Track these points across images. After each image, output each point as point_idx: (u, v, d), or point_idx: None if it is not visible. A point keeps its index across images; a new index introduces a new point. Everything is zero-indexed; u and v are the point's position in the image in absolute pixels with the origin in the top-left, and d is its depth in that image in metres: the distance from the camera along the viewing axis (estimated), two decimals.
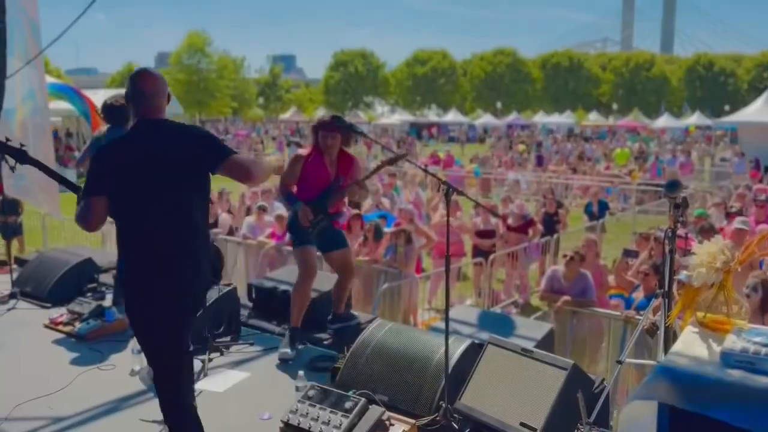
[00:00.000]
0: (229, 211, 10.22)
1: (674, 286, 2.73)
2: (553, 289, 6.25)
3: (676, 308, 2.48)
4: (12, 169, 5.83)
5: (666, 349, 2.48)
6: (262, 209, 9.18)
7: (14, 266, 6.09)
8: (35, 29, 6.98)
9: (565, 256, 6.38)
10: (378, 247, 7.61)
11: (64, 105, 17.23)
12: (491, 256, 8.31)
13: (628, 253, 7.33)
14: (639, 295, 6.02)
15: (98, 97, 21.60)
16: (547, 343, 4.17)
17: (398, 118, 55.03)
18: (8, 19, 6.78)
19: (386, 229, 7.89)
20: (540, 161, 24.16)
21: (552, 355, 3.23)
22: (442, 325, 4.75)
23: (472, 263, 8.72)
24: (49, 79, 12.28)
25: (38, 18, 7.03)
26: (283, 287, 5.16)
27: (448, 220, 3.21)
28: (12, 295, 5.52)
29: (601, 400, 3.06)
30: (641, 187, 17.44)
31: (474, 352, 3.50)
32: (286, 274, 5.61)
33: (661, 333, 2.62)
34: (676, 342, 2.07)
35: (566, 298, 6.04)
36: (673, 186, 2.62)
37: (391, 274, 7.11)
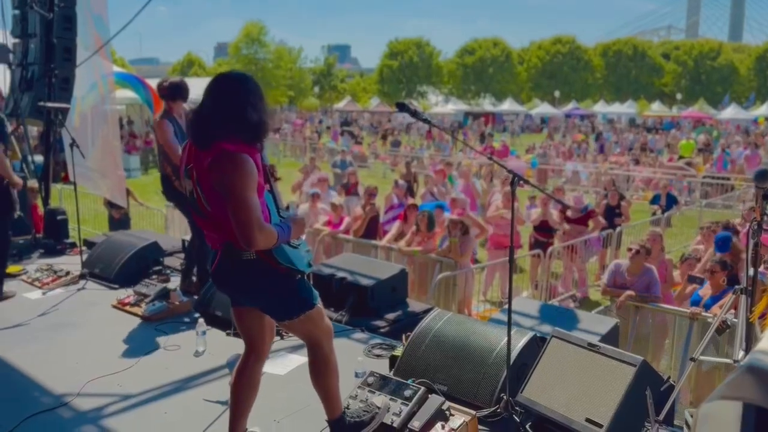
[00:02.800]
0: None
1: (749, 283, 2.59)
2: (616, 284, 6.07)
3: (759, 305, 2.35)
4: (83, 155, 6.04)
5: (747, 348, 2.36)
6: (316, 196, 9.25)
7: (83, 248, 6.36)
8: (99, 22, 7.21)
9: (629, 249, 6.18)
10: (430, 236, 7.57)
11: (127, 93, 17.79)
12: (549, 249, 8.14)
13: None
14: (705, 292, 5.79)
15: None
16: (611, 338, 4.04)
17: (452, 107, 54.55)
18: (77, 9, 7.04)
19: (446, 214, 7.86)
20: (602, 149, 23.56)
21: (620, 350, 3.13)
22: (500, 316, 4.69)
23: (529, 255, 8.57)
24: (115, 69, 12.69)
25: (105, 12, 7.25)
26: (340, 274, 5.19)
27: (513, 211, 3.14)
28: (82, 276, 5.74)
29: (671, 398, 2.95)
30: (706, 180, 16.76)
31: (536, 345, 3.43)
32: (343, 261, 5.65)
33: (740, 330, 2.49)
34: (762, 340, 1.96)
35: (630, 293, 5.85)
36: (763, 175, 2.46)
37: (446, 264, 7.07)
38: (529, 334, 3.50)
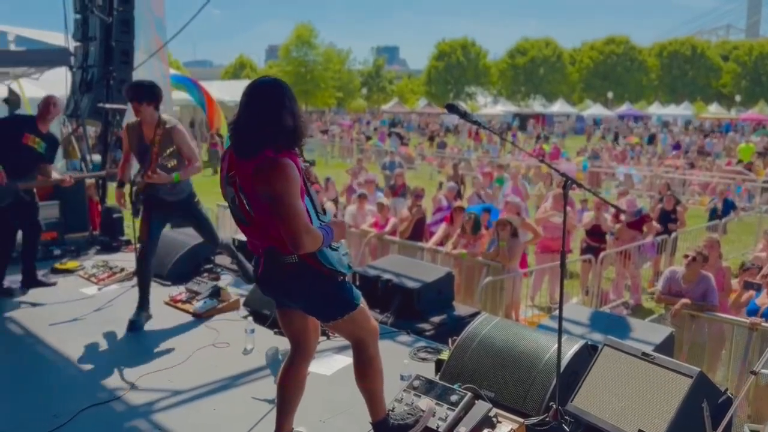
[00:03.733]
0: (335, 200, 10.43)
1: None
2: (672, 291, 5.87)
3: None
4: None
5: None
6: (363, 197, 9.28)
7: (137, 246, 6.53)
8: (159, 25, 7.43)
9: (686, 256, 5.98)
10: (476, 239, 7.49)
11: (181, 95, 18.26)
12: (601, 254, 7.95)
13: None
14: (763, 301, 5.55)
15: (213, 89, 22.78)
16: (666, 347, 3.91)
17: (501, 108, 53.98)
18: (135, 14, 7.26)
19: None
20: (677, 147, 22.92)
21: (675, 360, 3.02)
22: (549, 322, 4.61)
23: (580, 260, 8.38)
24: (170, 71, 13.05)
25: (164, 14, 7.47)
26: (386, 276, 5.18)
27: (565, 215, 3.06)
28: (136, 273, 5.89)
29: (730, 412, 2.82)
30: (767, 184, 16.07)
31: (587, 353, 3.34)
32: (389, 263, 5.64)
33: None
34: None
35: (686, 301, 5.66)
36: None
37: (493, 268, 6.97)
38: (581, 342, 3.41)
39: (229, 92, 24.04)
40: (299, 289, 2.67)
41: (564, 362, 3.19)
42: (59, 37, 7.92)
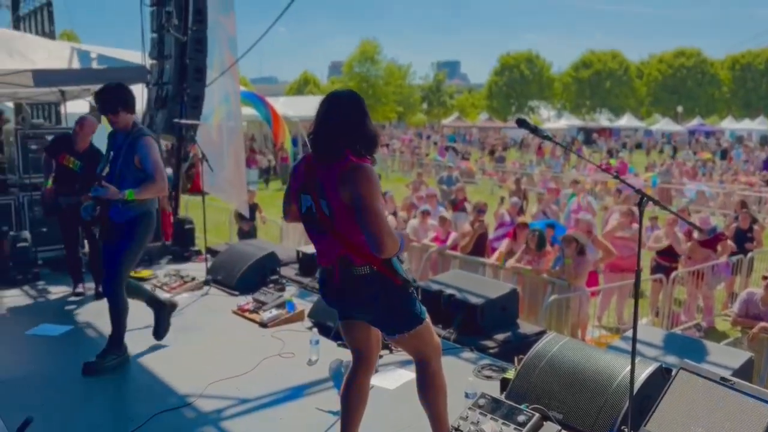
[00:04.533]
0: (394, 213, 10.46)
1: None
2: (749, 314, 5.61)
3: None
4: (210, 168, 6.45)
5: None
6: (426, 213, 9.29)
7: (207, 256, 6.75)
8: (232, 43, 7.69)
9: (764, 277, 5.69)
10: (540, 256, 7.34)
11: (248, 111, 18.79)
12: (673, 274, 7.65)
13: None
14: None
15: (278, 105, 23.33)
16: (745, 373, 3.72)
17: (565, 122, 52.98)
18: (208, 33, 7.55)
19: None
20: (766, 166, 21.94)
21: (757, 387, 2.87)
22: (619, 344, 4.45)
23: (650, 280, 8.09)
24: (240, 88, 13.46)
25: (235, 32, 7.73)
26: (449, 291, 5.16)
27: (640, 233, 2.97)
28: (206, 282, 6.10)
29: None
30: None
31: (661, 376, 3.22)
32: (451, 278, 5.61)
33: None
34: None
35: (765, 324, 5.38)
36: None
37: (559, 286, 6.82)
38: (654, 365, 3.29)
39: (293, 107, 24.53)
40: (371, 300, 2.68)
41: (637, 385, 3.08)
42: (136, 56, 8.30)
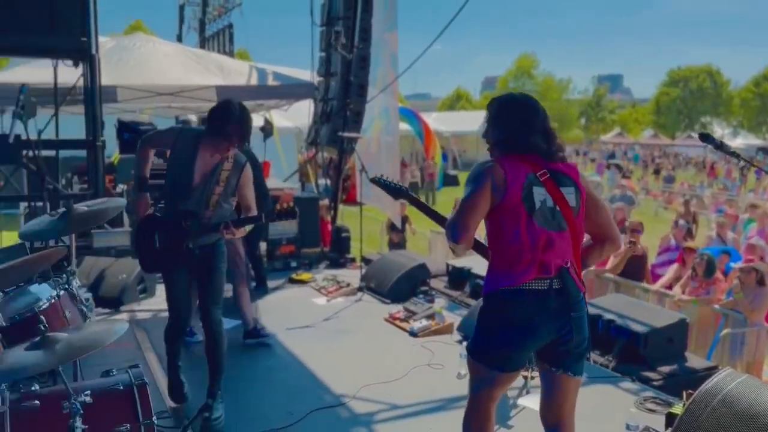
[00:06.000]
0: None
1: None
2: None
3: None
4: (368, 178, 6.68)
5: None
6: None
7: (361, 264, 7.01)
8: (394, 60, 7.95)
9: None
10: (709, 283, 6.71)
11: (402, 126, 19.25)
12: None
13: None
14: None
15: (430, 120, 23.69)
16: None
17: (741, 141, 48.14)
18: (372, 50, 7.87)
19: (734, 265, 6.91)
20: None
21: None
22: None
23: None
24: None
25: (397, 49, 7.99)
26: (608, 316, 4.89)
27: None
28: (360, 289, 6.33)
29: None
30: None
31: None
32: (611, 302, 5.32)
33: None
34: None
35: None
36: None
37: (733, 319, 6.20)
38: None
39: (444, 123, 24.80)
40: (585, 321, 2.45)
41: None
42: (305, 74, 8.89)
